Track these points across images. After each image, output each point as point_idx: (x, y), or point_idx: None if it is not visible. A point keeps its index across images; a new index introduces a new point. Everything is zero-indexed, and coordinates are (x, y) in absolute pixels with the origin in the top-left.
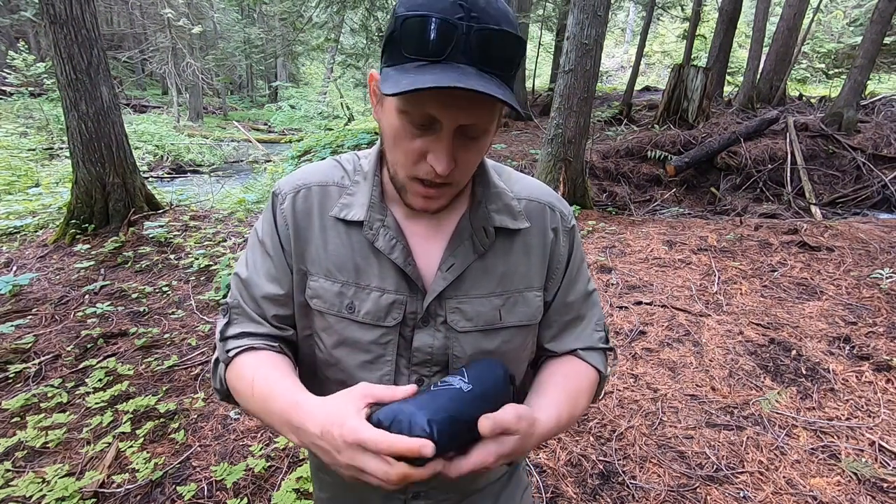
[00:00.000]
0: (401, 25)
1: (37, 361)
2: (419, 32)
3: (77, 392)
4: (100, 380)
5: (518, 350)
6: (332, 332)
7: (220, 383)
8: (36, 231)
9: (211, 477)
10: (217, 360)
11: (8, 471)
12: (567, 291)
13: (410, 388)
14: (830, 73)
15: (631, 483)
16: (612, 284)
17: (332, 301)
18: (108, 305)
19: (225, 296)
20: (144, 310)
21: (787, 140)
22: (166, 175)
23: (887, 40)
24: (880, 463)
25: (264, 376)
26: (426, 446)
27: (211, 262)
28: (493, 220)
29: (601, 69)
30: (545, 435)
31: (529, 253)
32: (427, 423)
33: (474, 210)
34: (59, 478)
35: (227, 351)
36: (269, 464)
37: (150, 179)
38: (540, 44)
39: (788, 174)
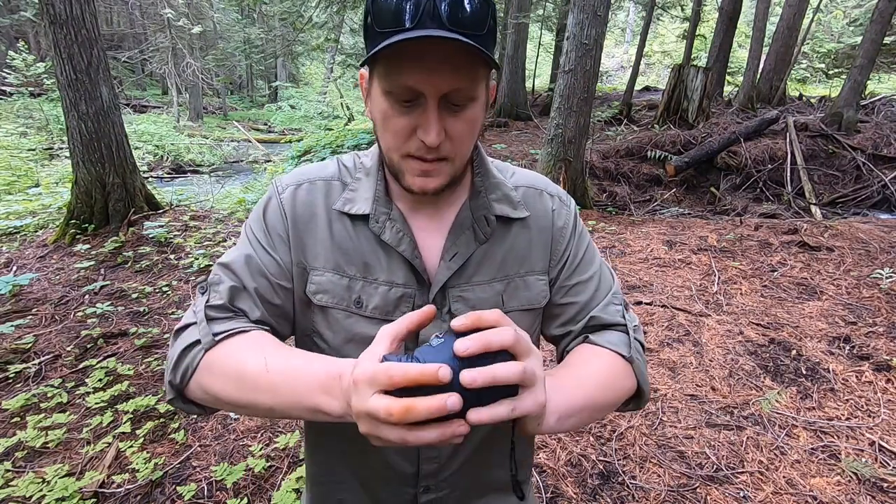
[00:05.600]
0: (372, 5)
1: (37, 361)
2: (388, 5)
3: (77, 392)
4: (100, 380)
5: None
6: (338, 328)
7: (184, 374)
8: (36, 231)
9: (211, 477)
10: (192, 345)
11: (8, 471)
12: (577, 269)
13: (429, 309)
14: (830, 73)
15: (631, 483)
16: None
17: (341, 295)
18: (108, 305)
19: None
20: (144, 310)
21: (787, 140)
22: (166, 175)
23: (887, 40)
24: (880, 463)
25: (280, 347)
26: (443, 368)
27: (211, 262)
28: (494, 209)
29: (601, 69)
30: (553, 389)
31: (529, 237)
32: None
33: (474, 199)
34: (59, 478)
35: (216, 334)
36: (269, 464)
37: (150, 179)
38: (540, 44)
39: (788, 174)
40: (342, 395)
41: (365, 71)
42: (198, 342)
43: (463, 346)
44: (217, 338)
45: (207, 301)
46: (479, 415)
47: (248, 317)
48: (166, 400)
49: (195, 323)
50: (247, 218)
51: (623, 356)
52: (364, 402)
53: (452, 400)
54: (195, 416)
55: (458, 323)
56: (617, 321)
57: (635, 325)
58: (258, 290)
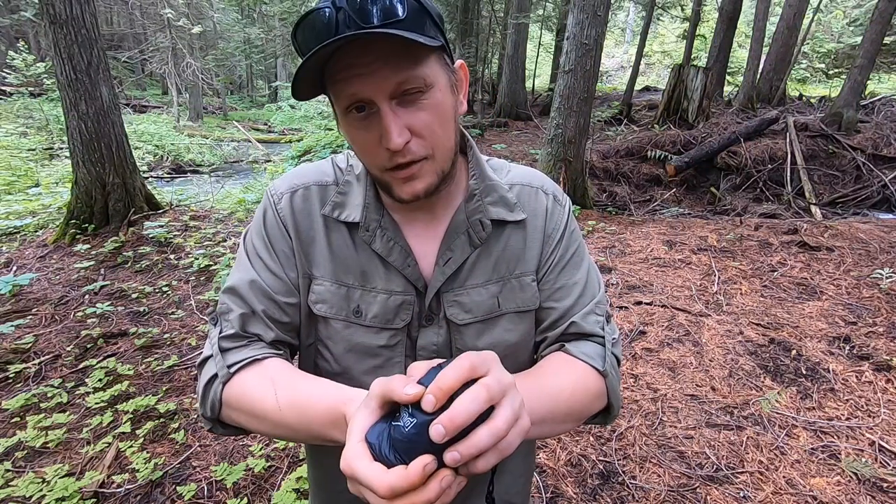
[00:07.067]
0: (295, 38)
1: (37, 361)
2: (303, 33)
3: (77, 392)
4: (100, 380)
5: (519, 344)
6: (339, 338)
7: (213, 406)
8: (36, 231)
9: (211, 477)
10: (211, 379)
11: (8, 471)
12: (562, 272)
13: (418, 390)
14: (830, 73)
15: (631, 483)
16: (612, 284)
17: (340, 305)
18: (108, 305)
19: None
20: (144, 310)
21: (787, 140)
22: (166, 175)
23: (887, 40)
24: (880, 463)
25: (290, 382)
26: (428, 465)
27: (211, 262)
28: (490, 213)
29: (601, 69)
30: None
31: (523, 237)
32: (392, 451)
33: (469, 202)
34: (59, 478)
35: (230, 366)
36: (269, 464)
37: (150, 179)
38: (540, 44)
39: (788, 174)
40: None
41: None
42: (216, 376)
43: (438, 434)
44: (231, 370)
45: (220, 332)
46: (456, 454)
47: (263, 339)
48: (206, 430)
49: (212, 356)
50: (249, 219)
51: (597, 369)
52: (361, 493)
53: (430, 466)
54: (195, 417)
55: (428, 405)
56: (595, 332)
57: (614, 339)
58: (266, 311)
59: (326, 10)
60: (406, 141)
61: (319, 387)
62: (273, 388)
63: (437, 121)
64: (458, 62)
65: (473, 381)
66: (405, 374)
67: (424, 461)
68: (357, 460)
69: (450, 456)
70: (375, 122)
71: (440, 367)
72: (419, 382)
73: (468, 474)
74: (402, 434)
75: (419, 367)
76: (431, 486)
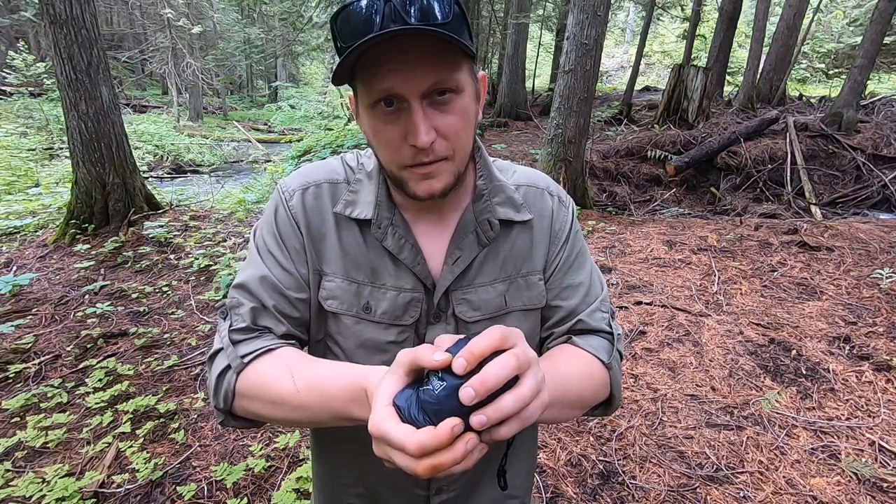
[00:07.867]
0: (335, 24)
1: (37, 361)
2: (347, 19)
3: (77, 392)
4: (100, 380)
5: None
6: (349, 334)
7: (226, 397)
8: (36, 231)
9: (211, 477)
10: (224, 370)
11: (8, 471)
12: (568, 272)
13: (447, 357)
14: (830, 73)
15: (631, 483)
16: (612, 284)
17: (351, 302)
18: (108, 305)
19: (225, 295)
20: (144, 310)
21: (787, 140)
22: (166, 175)
23: (887, 40)
24: (880, 463)
25: (306, 365)
26: (457, 426)
27: (211, 262)
28: (497, 213)
29: (601, 69)
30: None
31: (530, 237)
32: (422, 413)
33: (477, 202)
34: (59, 478)
35: (243, 356)
36: (269, 464)
37: (150, 179)
38: (540, 44)
39: (788, 174)
40: (369, 406)
41: (352, 94)
42: (228, 367)
43: (468, 396)
44: (245, 360)
45: (231, 325)
46: (483, 417)
47: (273, 332)
48: (218, 423)
49: (223, 349)
50: (249, 219)
51: (602, 361)
52: (385, 454)
53: (457, 427)
54: (195, 417)
55: (459, 368)
56: (602, 328)
57: (618, 335)
58: (277, 306)
59: (375, 1)
60: (432, 140)
61: (337, 366)
62: (290, 372)
63: (462, 125)
64: (480, 74)
65: (501, 351)
66: None
67: (453, 422)
68: (386, 422)
69: (477, 419)
70: (403, 118)
71: (466, 339)
72: (446, 351)
73: (490, 441)
74: (431, 396)
75: (446, 339)
76: (457, 446)
